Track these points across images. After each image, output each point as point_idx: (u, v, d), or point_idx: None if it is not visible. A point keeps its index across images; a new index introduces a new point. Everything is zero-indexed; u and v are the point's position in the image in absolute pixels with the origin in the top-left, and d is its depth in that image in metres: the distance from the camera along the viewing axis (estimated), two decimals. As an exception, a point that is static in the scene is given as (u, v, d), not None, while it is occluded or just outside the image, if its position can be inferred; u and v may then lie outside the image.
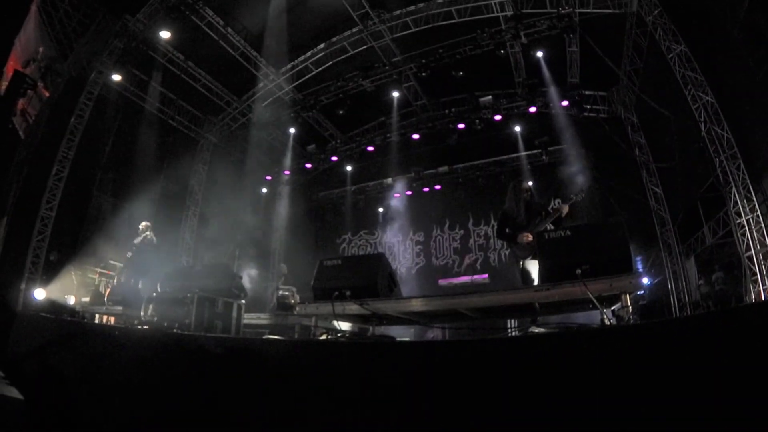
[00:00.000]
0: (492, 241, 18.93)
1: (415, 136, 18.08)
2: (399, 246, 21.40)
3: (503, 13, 13.81)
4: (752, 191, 10.13)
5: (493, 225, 18.88)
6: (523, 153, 18.17)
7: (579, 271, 3.79)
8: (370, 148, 19.18)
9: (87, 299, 11.68)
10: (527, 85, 15.65)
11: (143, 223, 11.47)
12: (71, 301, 11.75)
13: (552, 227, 6.21)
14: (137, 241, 11.28)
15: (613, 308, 4.25)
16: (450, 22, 14.34)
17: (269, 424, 3.62)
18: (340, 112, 17.29)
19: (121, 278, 12.05)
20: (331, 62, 16.32)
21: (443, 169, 19.63)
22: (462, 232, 19.91)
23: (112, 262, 13.90)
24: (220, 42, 15.00)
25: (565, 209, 6.37)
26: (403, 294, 5.38)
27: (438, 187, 20.12)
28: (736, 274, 11.06)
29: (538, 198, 6.99)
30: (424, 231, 20.89)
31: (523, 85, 15.90)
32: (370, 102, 17.06)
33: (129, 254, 11.36)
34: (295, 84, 17.26)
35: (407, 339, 9.01)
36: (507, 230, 6.57)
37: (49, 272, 12.94)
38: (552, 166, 17.68)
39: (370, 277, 4.77)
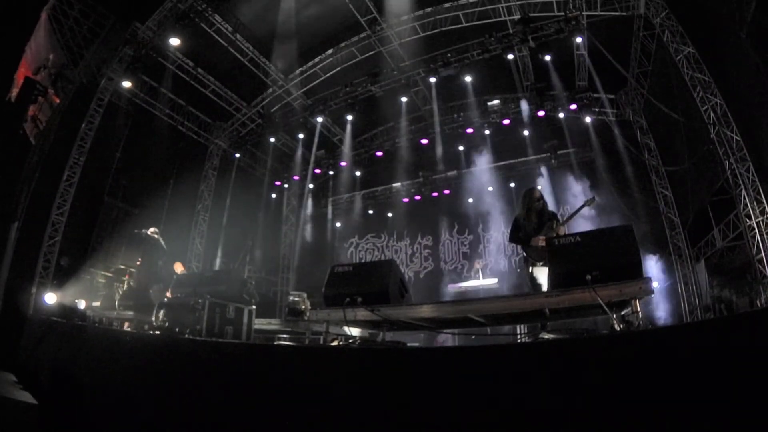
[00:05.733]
0: (502, 246, 18.88)
1: (424, 141, 18.10)
2: (407, 250, 21.40)
3: (511, 17, 13.84)
4: (762, 193, 10.08)
5: (503, 231, 18.85)
6: (532, 157, 18.11)
7: (589, 277, 3.79)
8: (379, 153, 19.23)
9: (98, 304, 11.74)
10: (535, 88, 15.62)
11: (151, 229, 11.51)
12: (82, 305, 11.79)
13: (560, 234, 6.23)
14: (141, 231, 11.26)
15: (623, 313, 4.24)
16: (458, 27, 14.39)
17: (281, 430, 3.64)
18: (349, 117, 17.35)
19: (131, 283, 12.11)
20: (339, 67, 16.42)
21: (452, 173, 19.61)
22: (471, 237, 19.87)
23: (122, 266, 13.97)
24: (229, 48, 15.11)
25: (562, 230, 6.45)
26: (412, 299, 5.38)
27: (447, 191, 20.06)
28: (746, 279, 11.01)
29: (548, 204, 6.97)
30: (432, 235, 20.87)
31: (532, 89, 15.86)
32: (379, 107, 17.07)
33: (139, 260, 11.40)
34: (303, 89, 17.37)
35: (417, 344, 9.01)
36: (520, 235, 6.63)
37: (59, 277, 13.03)
38: (561, 170, 17.60)
39: (382, 284, 4.78)
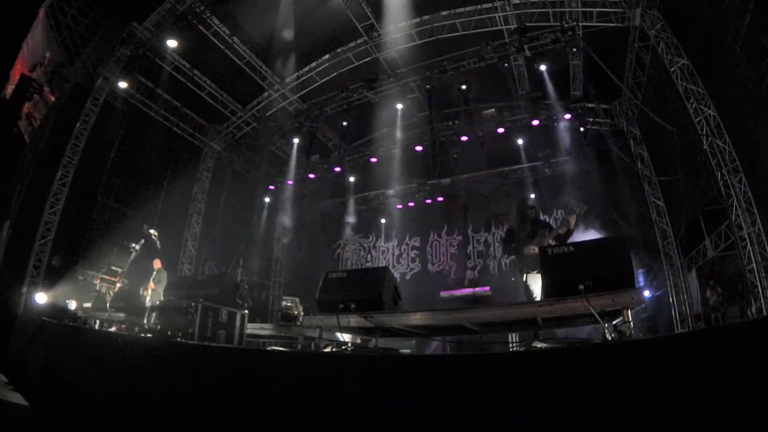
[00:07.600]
0: (492, 248, 18.89)
1: (419, 148, 18.09)
2: (394, 251, 21.34)
3: (507, 27, 13.88)
4: (754, 204, 10.17)
5: (494, 233, 18.91)
6: (526, 165, 18.16)
7: (582, 287, 3.82)
8: (374, 159, 19.19)
9: (89, 305, 11.69)
10: (530, 98, 15.67)
11: (151, 230, 11.44)
12: (73, 306, 11.74)
13: (554, 242, 6.23)
14: (137, 245, 11.22)
15: (614, 323, 4.27)
16: (454, 35, 14.43)
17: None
18: (344, 122, 17.35)
19: (123, 284, 12.06)
20: (335, 73, 16.43)
21: (446, 180, 19.62)
22: (460, 237, 19.80)
23: (114, 267, 13.93)
24: (226, 51, 15.10)
25: (572, 221, 6.41)
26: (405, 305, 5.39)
27: (440, 198, 20.05)
28: (737, 288, 11.08)
29: (542, 212, 7.06)
30: (420, 236, 20.83)
31: (526, 98, 15.91)
32: (374, 113, 17.09)
33: (131, 261, 11.35)
34: (299, 94, 17.38)
35: (408, 351, 9.02)
36: (513, 245, 6.69)
37: (51, 276, 12.97)
38: (554, 179, 17.66)
39: (375, 291, 4.79)
